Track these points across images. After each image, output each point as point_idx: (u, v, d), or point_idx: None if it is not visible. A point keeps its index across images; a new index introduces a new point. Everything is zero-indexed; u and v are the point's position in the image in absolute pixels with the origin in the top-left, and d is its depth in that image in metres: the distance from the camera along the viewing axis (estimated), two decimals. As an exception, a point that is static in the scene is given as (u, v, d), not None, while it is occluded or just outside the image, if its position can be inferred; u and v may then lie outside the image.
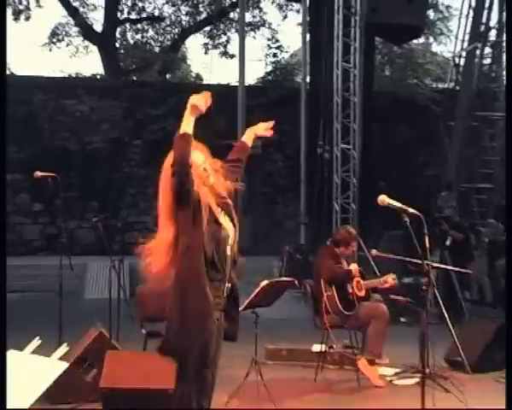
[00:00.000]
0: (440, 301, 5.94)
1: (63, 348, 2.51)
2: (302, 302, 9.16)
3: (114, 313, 5.78)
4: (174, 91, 14.95)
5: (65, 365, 2.43)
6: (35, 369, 2.19)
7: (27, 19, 18.68)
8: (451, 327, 6.04)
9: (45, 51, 19.09)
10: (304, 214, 13.29)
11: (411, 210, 3.49)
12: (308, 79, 13.88)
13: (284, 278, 5.34)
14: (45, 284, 10.66)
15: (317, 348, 6.02)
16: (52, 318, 6.02)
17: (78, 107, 14.54)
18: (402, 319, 8.34)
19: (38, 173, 5.68)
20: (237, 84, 13.69)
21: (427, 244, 3.53)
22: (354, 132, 11.17)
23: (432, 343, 4.62)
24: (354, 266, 5.78)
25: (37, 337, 2.49)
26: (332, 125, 11.27)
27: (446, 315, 6.00)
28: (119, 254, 6.25)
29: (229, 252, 3.10)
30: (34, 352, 2.42)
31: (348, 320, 5.66)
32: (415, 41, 15.57)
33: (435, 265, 4.99)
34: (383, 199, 3.51)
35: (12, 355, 2.15)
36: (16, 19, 18.52)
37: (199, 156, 3.16)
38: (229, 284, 3.11)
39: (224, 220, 3.14)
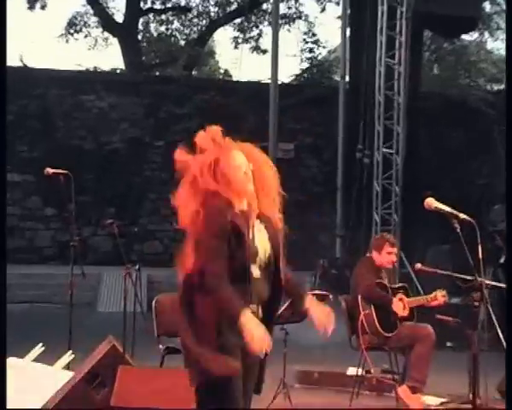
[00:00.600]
0: (496, 323, 5.79)
1: (67, 357, 2.49)
2: (336, 323, 9.05)
3: (129, 327, 5.77)
4: (200, 88, 15.06)
5: (69, 374, 2.40)
6: (35, 377, 2.17)
7: (43, 8, 18.96)
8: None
9: (62, 43, 19.30)
10: (340, 226, 13.19)
11: (463, 216, 3.41)
12: (347, 78, 13.82)
13: (317, 291, 5.27)
14: (56, 294, 10.74)
15: (352, 371, 5.94)
16: (62, 330, 6.02)
17: (95, 103, 14.69)
18: (448, 344, 8.21)
19: (49, 170, 5.71)
20: (269, 81, 13.68)
21: (481, 255, 3.43)
22: (398, 136, 11.08)
23: (483, 371, 4.50)
24: (396, 302, 5.66)
25: (41, 344, 2.46)
26: (373, 127, 11.20)
27: (502, 338, 5.85)
28: (136, 264, 6.25)
29: (256, 272, 3.04)
30: (37, 360, 2.40)
31: (388, 342, 5.55)
32: (468, 36, 15.45)
33: (489, 282, 4.87)
34: (431, 202, 3.45)
35: (12, 362, 2.13)
36: (31, 7, 18.81)
37: (240, 158, 3.10)
38: (258, 307, 3.05)
39: (258, 236, 3.07)
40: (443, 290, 5.83)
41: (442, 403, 5.71)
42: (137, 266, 6.24)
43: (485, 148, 13.83)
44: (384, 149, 11.08)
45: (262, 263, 3.07)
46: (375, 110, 11.12)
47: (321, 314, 3.09)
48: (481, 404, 5.10)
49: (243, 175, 3.07)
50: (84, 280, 6.13)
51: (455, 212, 3.45)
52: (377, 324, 5.51)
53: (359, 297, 5.55)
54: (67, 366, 2.53)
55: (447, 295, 5.89)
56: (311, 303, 3.15)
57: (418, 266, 5.91)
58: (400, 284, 6.00)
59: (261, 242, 3.08)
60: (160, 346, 5.28)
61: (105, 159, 14.47)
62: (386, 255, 5.79)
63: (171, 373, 4.36)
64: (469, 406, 5.31)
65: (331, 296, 4.93)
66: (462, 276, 5.63)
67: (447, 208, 3.46)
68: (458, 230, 3.40)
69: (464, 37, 15.42)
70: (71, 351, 2.76)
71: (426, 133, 13.51)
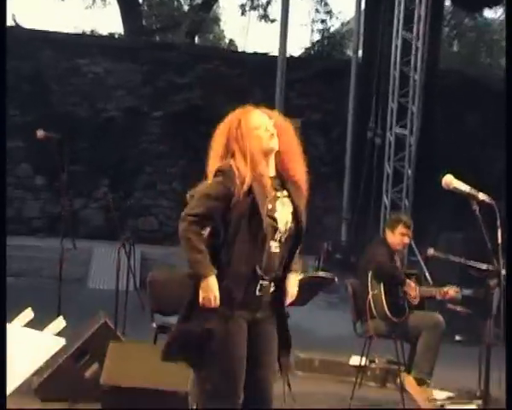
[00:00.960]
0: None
1: (59, 323, 2.48)
2: (340, 310, 9.09)
3: (121, 304, 5.77)
4: (203, 57, 14.95)
5: (61, 341, 2.39)
6: (25, 342, 2.16)
7: (39, -36, 18.82)
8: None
9: (57, 2, 19.20)
10: (346, 209, 13.17)
11: (482, 196, 3.38)
12: (360, 52, 13.73)
13: (322, 273, 5.25)
14: (45, 268, 10.76)
15: (355, 360, 5.95)
16: (50, 307, 6.02)
17: (91, 68, 14.59)
18: (457, 338, 8.22)
19: (41, 133, 5.68)
20: (277, 53, 13.60)
21: (500, 239, 3.41)
22: (412, 115, 11.03)
23: (495, 366, 4.49)
24: (410, 282, 5.66)
25: (30, 309, 2.45)
26: (386, 104, 11.16)
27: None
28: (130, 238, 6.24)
29: (274, 247, 3.10)
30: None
31: (395, 328, 5.54)
32: (491, 13, 15.33)
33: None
34: (449, 181, 3.42)
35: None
36: (26, -36, 18.67)
37: (261, 118, 3.17)
38: (270, 283, 3.12)
39: (281, 209, 3.12)
40: (457, 287, 5.81)
41: (449, 398, 5.71)
42: (131, 241, 6.23)
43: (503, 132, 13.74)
44: (397, 129, 11.05)
45: (282, 238, 3.12)
46: (390, 87, 11.08)
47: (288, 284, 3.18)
48: (492, 400, 5.09)
49: (264, 133, 3.12)
50: (74, 254, 6.14)
51: (474, 192, 3.42)
52: (385, 306, 5.49)
53: (369, 276, 5.54)
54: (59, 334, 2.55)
55: (459, 289, 5.86)
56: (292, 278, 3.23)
57: (431, 251, 5.90)
58: (413, 271, 6.01)
59: (283, 215, 3.13)
60: (154, 324, 5.27)
61: (100, 127, 14.40)
62: (399, 236, 5.77)
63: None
64: (478, 401, 5.34)
65: (336, 279, 4.91)
66: (477, 265, 5.63)
67: (466, 187, 3.43)
68: (477, 211, 3.37)
69: (487, 13, 15.31)
70: (62, 316, 2.75)
71: (442, 113, 13.44)
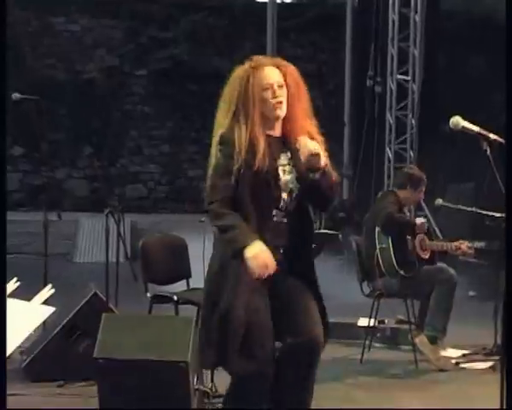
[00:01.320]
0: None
1: (47, 291, 2.48)
2: (344, 272, 9.14)
3: (112, 276, 5.77)
4: (188, 9, 14.78)
5: (51, 309, 2.39)
6: (12, 312, 2.16)
7: None
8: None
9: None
10: (347, 165, 13.15)
11: (494, 136, 3.38)
12: (356, -7, 13.62)
13: (326, 230, 5.26)
14: (27, 244, 10.77)
15: (364, 322, 5.98)
16: (35, 285, 6.01)
17: (67, 26, 14.44)
18: (471, 293, 8.27)
19: (17, 95, 5.63)
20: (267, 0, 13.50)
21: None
22: (414, 60, 10.99)
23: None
24: (420, 220, 5.68)
25: (15, 279, 2.45)
26: (386, 50, 11.08)
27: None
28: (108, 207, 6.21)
29: (279, 216, 3.13)
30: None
31: (405, 284, 5.57)
32: None
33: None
34: (457, 121, 3.41)
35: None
36: None
37: (269, 76, 3.14)
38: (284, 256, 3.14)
39: (284, 177, 3.13)
40: (469, 242, 5.83)
41: (464, 355, 5.76)
42: (120, 208, 6.21)
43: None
44: (398, 76, 11.00)
45: (287, 206, 3.13)
46: (389, 30, 11.00)
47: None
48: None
49: (272, 97, 3.10)
50: (59, 228, 6.12)
51: (485, 132, 3.41)
52: (394, 260, 5.51)
53: (376, 231, 5.55)
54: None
55: (472, 245, 5.89)
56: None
57: (439, 201, 5.93)
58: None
59: (287, 182, 3.13)
60: (148, 294, 5.28)
61: (79, 91, 14.29)
62: (419, 193, 5.86)
63: (162, 320, 4.38)
64: (495, 358, 5.39)
65: (340, 236, 4.92)
66: (491, 213, 5.66)
67: (476, 128, 3.43)
68: (488, 152, 3.37)
69: None
70: (50, 285, 2.75)
71: (446, 58, 13.37)
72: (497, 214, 5.30)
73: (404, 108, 11.04)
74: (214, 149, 3.16)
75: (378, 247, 5.55)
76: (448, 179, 10.62)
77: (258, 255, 2.95)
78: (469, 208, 5.98)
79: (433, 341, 5.54)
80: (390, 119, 11.07)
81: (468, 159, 11.26)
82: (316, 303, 3.19)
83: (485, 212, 5.83)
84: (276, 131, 3.19)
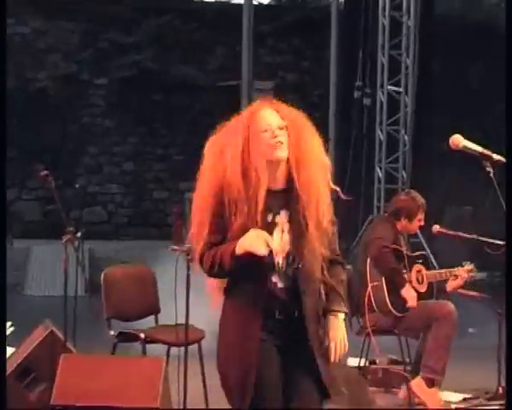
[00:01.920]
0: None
1: (7, 328, 2.48)
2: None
3: (69, 311, 5.75)
4: (153, 11, 14.86)
5: (10, 350, 2.39)
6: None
7: None
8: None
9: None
10: (333, 184, 13.24)
11: (498, 157, 3.45)
12: (342, -4, 13.81)
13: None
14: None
15: (353, 362, 6.00)
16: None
17: (16, 28, 14.42)
18: (471, 330, 8.33)
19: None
20: (242, 0, 13.59)
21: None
22: (407, 69, 11.13)
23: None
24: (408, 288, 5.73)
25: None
26: (375, 58, 11.21)
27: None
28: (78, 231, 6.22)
29: (278, 282, 3.17)
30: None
31: (400, 323, 5.62)
32: None
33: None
34: (458, 140, 3.47)
35: None
36: None
37: (269, 118, 3.18)
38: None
39: (277, 237, 3.15)
40: (470, 264, 5.90)
41: (465, 399, 5.80)
42: (79, 234, 6.22)
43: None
44: (390, 87, 11.12)
45: (287, 271, 3.16)
46: (379, 36, 11.13)
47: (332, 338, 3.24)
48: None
49: (271, 138, 3.12)
50: (9, 254, 6.10)
51: (487, 152, 3.48)
52: (388, 300, 5.56)
53: (368, 263, 5.60)
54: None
55: (474, 267, 5.96)
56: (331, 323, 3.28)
57: (436, 228, 5.98)
58: (419, 253, 6.08)
59: (280, 245, 3.15)
60: (111, 332, 5.29)
61: (30, 101, 14.29)
62: (416, 222, 5.92)
63: (129, 362, 4.39)
64: (499, 402, 5.44)
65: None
66: (493, 240, 5.72)
67: (478, 148, 3.49)
68: (491, 174, 3.43)
69: None
70: (10, 322, 2.75)
71: (442, 66, 13.55)
72: (500, 242, 5.36)
73: (396, 122, 11.16)
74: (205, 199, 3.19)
75: (370, 284, 5.59)
76: (444, 202, 10.74)
77: (250, 236, 3.02)
78: (470, 235, 6.03)
79: (431, 384, 5.58)
80: (380, 134, 11.18)
81: (466, 180, 11.41)
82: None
83: (486, 239, 5.90)
84: (279, 183, 3.20)
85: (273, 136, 3.13)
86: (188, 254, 4.59)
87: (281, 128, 3.16)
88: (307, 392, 3.19)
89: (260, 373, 3.09)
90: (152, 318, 5.52)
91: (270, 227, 3.11)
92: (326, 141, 3.33)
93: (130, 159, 14.48)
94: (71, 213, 13.51)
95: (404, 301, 5.64)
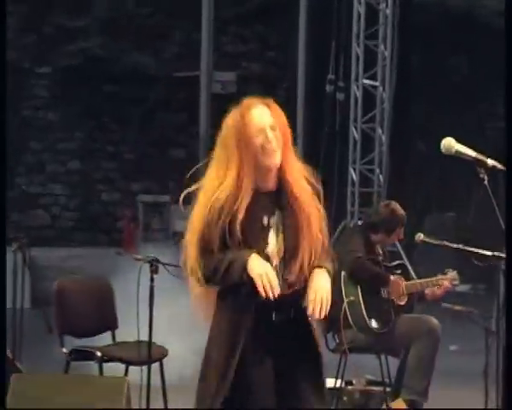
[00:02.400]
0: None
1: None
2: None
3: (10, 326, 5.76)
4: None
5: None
6: None
7: None
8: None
9: None
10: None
11: (492, 162, 3.52)
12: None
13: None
14: None
15: (329, 383, 6.04)
16: None
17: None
18: (452, 347, 8.43)
19: None
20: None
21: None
22: (384, 61, 11.19)
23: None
24: (396, 279, 5.81)
25: None
26: (350, 48, 11.27)
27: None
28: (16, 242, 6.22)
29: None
30: None
31: (379, 340, 5.70)
32: None
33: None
34: (450, 144, 3.53)
35: None
36: None
37: (261, 119, 3.34)
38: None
39: (271, 236, 3.35)
40: (453, 271, 5.99)
41: (449, 423, 5.90)
42: (26, 241, 6.24)
43: (499, 78, 14.05)
44: (365, 81, 11.18)
45: (285, 273, 3.35)
46: (353, 25, 11.18)
47: (312, 290, 3.35)
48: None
49: (265, 143, 3.30)
50: None
51: (482, 157, 3.55)
52: (365, 315, 5.63)
53: (342, 278, 5.66)
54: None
55: (457, 275, 6.03)
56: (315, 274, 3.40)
57: (420, 236, 6.03)
58: (397, 262, 6.16)
59: (276, 248, 3.37)
60: (64, 349, 5.29)
61: (-35, 92, 14.16)
62: (395, 237, 6.03)
63: (89, 382, 4.41)
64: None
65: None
66: (480, 250, 5.81)
67: (472, 152, 3.56)
68: (485, 181, 3.51)
69: None
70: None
71: (421, 59, 13.65)
72: (489, 253, 5.44)
73: (372, 119, 11.22)
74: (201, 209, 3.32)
75: (346, 300, 5.65)
76: (425, 209, 10.84)
77: (257, 266, 3.21)
78: (455, 245, 6.12)
79: (413, 405, 5.65)
80: (354, 132, 11.23)
81: (448, 183, 11.50)
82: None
83: (474, 249, 5.98)
84: (270, 185, 3.39)
85: (267, 141, 3.30)
86: (151, 265, 4.65)
87: (273, 128, 3.33)
88: (306, 393, 3.38)
89: (252, 372, 3.28)
90: (109, 334, 5.54)
91: (266, 230, 3.33)
92: (294, 138, 3.47)
93: (76, 157, 14.40)
94: (11, 216, 13.46)
95: (383, 315, 5.72)
